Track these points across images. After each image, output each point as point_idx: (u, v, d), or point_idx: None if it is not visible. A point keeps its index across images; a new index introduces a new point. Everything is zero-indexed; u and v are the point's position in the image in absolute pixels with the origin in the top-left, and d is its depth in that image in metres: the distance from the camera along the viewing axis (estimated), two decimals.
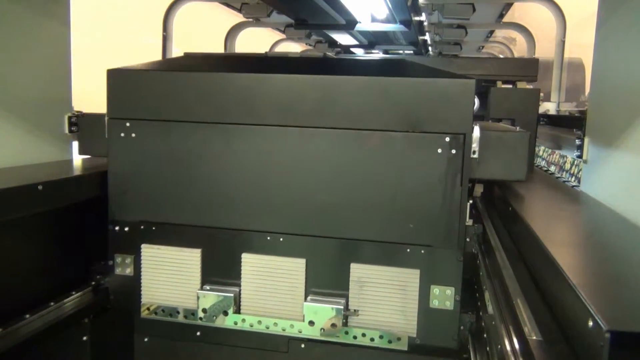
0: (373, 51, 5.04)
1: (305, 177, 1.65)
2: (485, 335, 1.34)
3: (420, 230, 1.59)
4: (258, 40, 5.84)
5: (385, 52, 5.29)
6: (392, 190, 1.59)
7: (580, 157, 2.03)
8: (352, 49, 5.10)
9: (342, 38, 4.74)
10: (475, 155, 1.56)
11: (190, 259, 1.76)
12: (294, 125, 1.64)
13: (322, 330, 1.68)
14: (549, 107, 4.10)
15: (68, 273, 1.81)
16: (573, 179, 2.76)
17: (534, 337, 1.00)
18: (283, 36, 5.39)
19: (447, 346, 1.64)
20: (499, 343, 1.12)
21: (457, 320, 1.62)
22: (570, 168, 2.86)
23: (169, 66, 1.82)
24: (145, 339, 1.90)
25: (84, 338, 1.77)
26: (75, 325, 1.76)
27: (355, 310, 1.66)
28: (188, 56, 2.07)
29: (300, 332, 1.70)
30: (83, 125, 1.96)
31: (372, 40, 4.68)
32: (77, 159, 2.25)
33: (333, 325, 1.66)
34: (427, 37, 4.84)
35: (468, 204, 1.57)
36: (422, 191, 1.57)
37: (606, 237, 1.39)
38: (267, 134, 1.66)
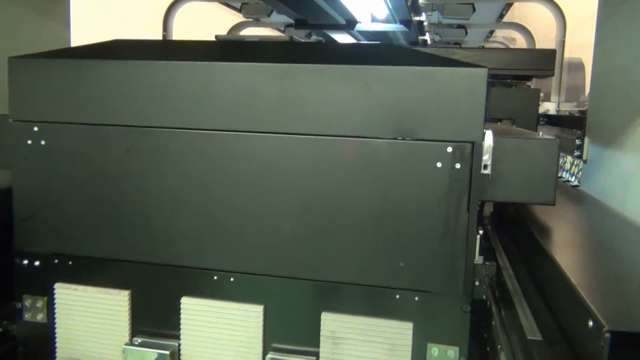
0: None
1: (264, 199, 1.28)
2: None
3: (413, 271, 1.22)
4: None
5: None
6: (376, 217, 1.23)
7: (580, 157, 2.03)
8: None
9: (342, 38, 4.74)
10: (487, 171, 1.18)
11: (117, 303, 1.38)
12: (248, 131, 1.27)
13: None
14: (549, 107, 4.10)
15: None
16: (573, 178, 2.77)
17: (535, 338, 0.99)
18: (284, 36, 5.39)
19: None
20: None
21: None
22: (570, 168, 2.87)
23: (87, 53, 1.44)
24: None
25: None
26: None
27: None
28: (117, 41, 1.62)
29: None
30: None
31: (372, 40, 4.68)
32: None
33: None
34: (427, 37, 4.84)
35: (478, 235, 1.21)
36: (415, 219, 1.21)
37: (606, 237, 1.39)
38: (215, 142, 1.29)
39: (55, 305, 1.43)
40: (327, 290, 1.28)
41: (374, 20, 3.68)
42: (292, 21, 4.06)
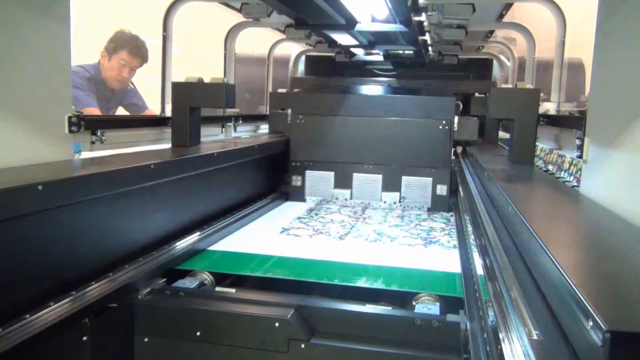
0: (373, 51, 5.02)
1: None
2: None
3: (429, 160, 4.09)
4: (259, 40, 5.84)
5: (386, 52, 5.27)
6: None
7: (580, 157, 2.03)
8: (354, 49, 5.09)
9: (342, 38, 4.73)
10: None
11: None
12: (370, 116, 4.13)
13: None
14: (549, 107, 4.10)
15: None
16: (572, 178, 2.77)
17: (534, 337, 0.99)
18: (283, 36, 5.38)
19: None
20: None
21: None
22: (569, 167, 2.86)
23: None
24: (145, 339, 1.91)
25: (84, 338, 1.77)
26: (74, 326, 1.70)
27: None
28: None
29: None
30: None
31: (372, 40, 4.67)
32: (77, 158, 2.25)
33: None
34: (427, 37, 4.83)
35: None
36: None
37: (606, 237, 1.39)
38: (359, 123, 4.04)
39: None
40: None
41: (374, 20, 3.68)
42: (292, 21, 4.06)
